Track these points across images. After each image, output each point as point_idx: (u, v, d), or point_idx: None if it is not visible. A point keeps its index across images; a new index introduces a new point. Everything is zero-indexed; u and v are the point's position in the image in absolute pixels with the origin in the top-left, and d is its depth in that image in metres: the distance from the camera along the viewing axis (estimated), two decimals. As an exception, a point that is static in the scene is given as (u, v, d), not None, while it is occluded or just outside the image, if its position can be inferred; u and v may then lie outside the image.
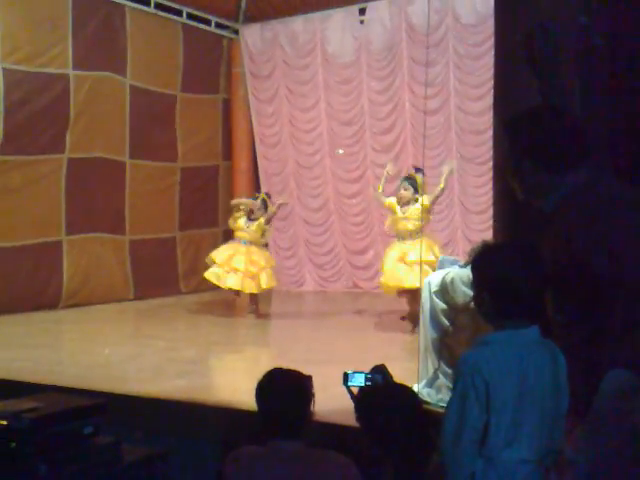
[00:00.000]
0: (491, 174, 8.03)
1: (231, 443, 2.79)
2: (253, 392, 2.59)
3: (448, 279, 3.99)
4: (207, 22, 10.49)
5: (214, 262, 7.77)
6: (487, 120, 8.65)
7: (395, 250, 6.91)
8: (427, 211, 6.79)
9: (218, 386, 5.16)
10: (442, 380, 4.01)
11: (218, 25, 10.66)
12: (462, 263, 4.11)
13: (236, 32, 10.76)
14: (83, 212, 8.90)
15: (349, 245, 10.25)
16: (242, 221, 7.84)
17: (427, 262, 6.46)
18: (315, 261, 10.61)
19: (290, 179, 10.62)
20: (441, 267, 4.26)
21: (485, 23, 8.42)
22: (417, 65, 9.45)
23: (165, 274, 9.97)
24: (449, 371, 3.97)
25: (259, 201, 7.94)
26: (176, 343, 6.51)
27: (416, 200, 6.78)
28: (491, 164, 8.39)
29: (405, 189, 6.87)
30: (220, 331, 7.39)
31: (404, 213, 6.85)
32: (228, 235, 9.63)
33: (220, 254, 7.78)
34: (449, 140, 9.50)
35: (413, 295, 6.60)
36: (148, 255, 9.70)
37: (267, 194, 8.10)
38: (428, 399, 4.03)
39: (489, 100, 8.40)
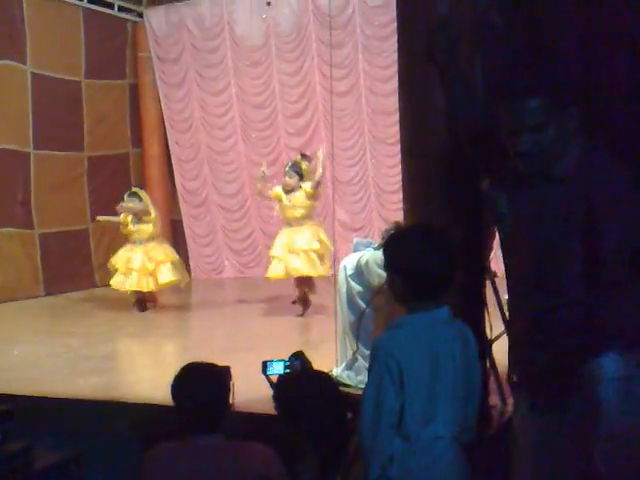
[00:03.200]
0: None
1: (149, 440, 2.74)
2: (169, 386, 2.54)
3: (363, 261, 4.02)
4: (110, 5, 10.16)
5: (115, 269, 7.63)
6: (397, 101, 8.76)
7: (283, 237, 6.97)
8: (311, 197, 6.88)
9: (135, 382, 5.04)
10: (361, 362, 4.05)
11: (121, 9, 10.34)
12: (376, 245, 4.15)
13: (140, 15, 10.46)
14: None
15: (267, 230, 10.19)
16: (131, 223, 7.58)
17: (314, 250, 6.75)
18: (233, 247, 10.52)
19: (204, 165, 10.47)
20: (356, 250, 4.29)
21: (391, 4, 8.40)
22: (326, 47, 9.42)
23: (78, 267, 9.68)
24: (367, 353, 4.01)
25: (135, 201, 7.59)
26: (90, 339, 6.33)
27: (300, 187, 6.85)
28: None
29: (290, 177, 6.91)
30: (137, 324, 7.23)
31: (290, 201, 6.89)
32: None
33: (119, 259, 7.63)
34: (360, 121, 9.56)
35: (301, 279, 6.89)
36: (59, 249, 9.39)
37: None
38: (348, 381, 4.07)
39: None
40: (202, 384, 2.54)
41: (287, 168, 7.05)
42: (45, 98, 9.13)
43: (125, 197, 7.67)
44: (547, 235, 2.14)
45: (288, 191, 6.90)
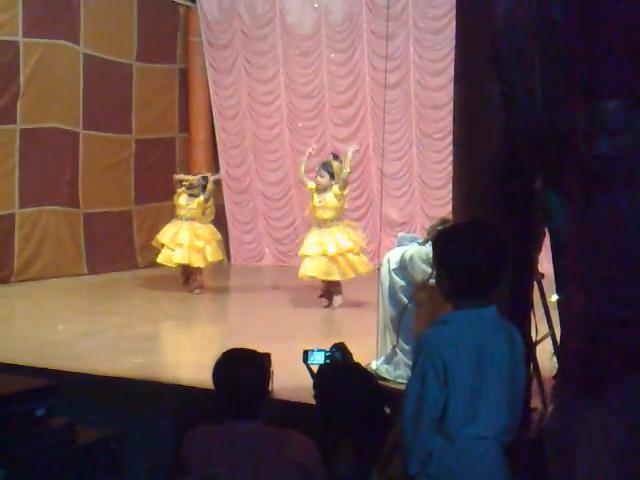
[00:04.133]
0: (450, 150, 8.08)
1: (189, 422, 2.77)
2: (210, 369, 2.57)
3: (407, 256, 4.00)
4: (163, -11, 10.25)
5: (161, 244, 7.77)
6: (446, 95, 8.67)
7: (314, 237, 6.92)
8: (340, 198, 6.85)
9: (175, 363, 5.10)
10: (400, 356, 4.04)
11: (175, -7, 10.42)
12: (421, 240, 4.13)
13: (193, 0, 10.52)
14: (36, 184, 8.69)
15: (308, 219, 10.21)
16: (183, 198, 7.83)
17: (348, 251, 6.74)
18: (274, 235, 10.55)
19: (249, 152, 10.51)
20: (400, 244, 4.27)
21: (446, -3, 8.39)
22: (377, 38, 9.38)
23: (121, 248, 9.81)
24: (407, 347, 4.00)
25: (198, 177, 7.91)
26: (132, 319, 6.42)
27: (331, 187, 6.82)
28: (450, 140, 8.45)
29: (321, 176, 6.86)
30: (177, 307, 7.31)
31: (320, 202, 6.85)
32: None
33: (165, 234, 7.78)
34: (408, 115, 9.49)
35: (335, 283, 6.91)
36: (103, 229, 9.54)
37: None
38: (386, 375, 4.06)
39: (448, 75, 8.49)
40: (243, 369, 2.55)
41: (318, 167, 7.01)
42: (96, 79, 9.23)
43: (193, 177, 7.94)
44: (630, 245, 1.99)
45: (320, 191, 6.86)
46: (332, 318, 6.67)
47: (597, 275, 2.03)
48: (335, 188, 6.79)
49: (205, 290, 7.91)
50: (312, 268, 6.82)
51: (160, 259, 7.79)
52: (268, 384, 2.62)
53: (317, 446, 2.59)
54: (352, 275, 6.84)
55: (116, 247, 9.72)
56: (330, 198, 6.80)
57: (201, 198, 7.76)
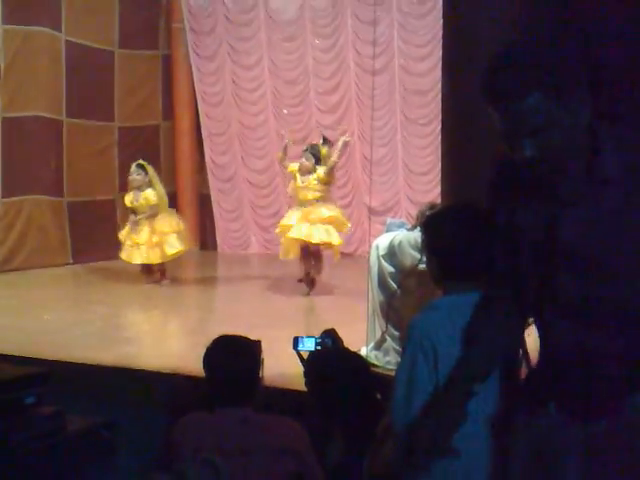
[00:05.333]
0: (434, 135, 8.07)
1: (179, 410, 2.76)
2: (200, 358, 2.57)
3: (396, 242, 4.00)
4: (145, -25, 10.15)
5: (123, 242, 7.73)
6: (431, 80, 8.67)
7: (295, 212, 6.95)
8: (324, 182, 6.83)
9: (164, 352, 5.10)
10: (390, 343, 4.05)
11: (157, -21, 10.32)
12: (409, 226, 4.13)
13: (176, -14, 10.43)
14: (19, 173, 8.62)
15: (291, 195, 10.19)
16: (130, 196, 7.66)
17: (326, 219, 6.72)
18: (260, 223, 10.53)
19: (234, 139, 10.46)
20: (389, 230, 4.27)
21: (429, -18, 8.36)
22: (361, 23, 9.34)
23: (106, 237, 9.73)
24: (396, 334, 4.01)
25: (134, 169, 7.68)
26: (119, 308, 6.40)
27: (315, 171, 6.81)
28: (434, 125, 8.45)
29: (307, 159, 6.86)
30: (165, 295, 7.29)
31: (303, 182, 6.84)
32: (171, 197, 9.47)
33: (125, 233, 7.73)
34: (393, 101, 9.48)
35: (316, 257, 6.88)
36: (87, 217, 9.47)
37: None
38: (376, 362, 4.07)
39: (433, 60, 8.49)
40: (233, 356, 2.55)
41: (305, 149, 7.00)
42: (78, 67, 9.16)
43: (133, 167, 7.69)
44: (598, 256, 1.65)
45: (303, 172, 6.85)
46: (321, 305, 6.68)
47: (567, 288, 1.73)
48: (320, 172, 6.77)
49: (171, 279, 7.80)
50: (294, 232, 6.80)
51: (122, 256, 7.74)
52: (259, 370, 2.63)
53: (308, 432, 2.60)
54: (335, 237, 6.81)
55: (101, 236, 9.65)
56: (313, 180, 6.79)
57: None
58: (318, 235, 6.70)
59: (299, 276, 7.07)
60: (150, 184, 7.60)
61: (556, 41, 1.61)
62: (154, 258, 7.56)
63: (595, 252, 1.61)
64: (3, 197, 8.57)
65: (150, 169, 7.76)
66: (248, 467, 2.43)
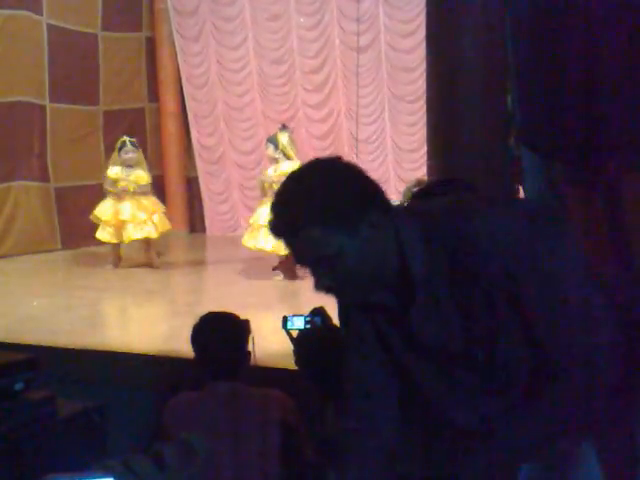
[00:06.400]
0: (422, 112, 8.04)
1: (169, 392, 2.77)
2: (188, 339, 2.57)
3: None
4: (126, -45, 10.00)
5: (100, 220, 7.59)
6: (417, 57, 8.61)
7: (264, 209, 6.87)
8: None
9: (153, 335, 5.09)
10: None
11: (138, -41, 10.17)
12: (397, 203, 4.10)
13: (157, -34, 10.29)
14: (4, 160, 8.54)
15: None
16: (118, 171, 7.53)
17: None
18: (249, 205, 10.47)
19: (220, 121, 10.38)
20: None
21: (414, -44, 8.28)
22: (346, 0, 9.27)
23: (94, 223, 9.70)
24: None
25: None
26: (108, 293, 6.38)
27: (276, 159, 6.85)
28: (422, 102, 8.42)
29: (267, 148, 7.03)
30: (153, 279, 7.26)
31: (275, 171, 6.82)
32: (159, 180, 9.42)
33: (105, 211, 7.58)
34: (379, 78, 9.42)
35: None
36: (75, 203, 9.40)
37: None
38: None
39: (419, 36, 8.42)
40: (221, 329, 2.58)
41: (266, 141, 7.19)
42: (61, 50, 9.05)
43: (128, 144, 7.59)
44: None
45: (271, 162, 6.99)
46: (310, 286, 6.65)
47: None
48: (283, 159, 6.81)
49: (159, 263, 7.74)
50: (251, 238, 6.96)
51: (99, 235, 7.63)
52: (247, 344, 2.64)
53: (300, 410, 2.61)
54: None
55: (89, 221, 9.59)
56: (285, 167, 6.66)
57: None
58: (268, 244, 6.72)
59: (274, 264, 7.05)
60: (141, 165, 7.56)
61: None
62: (148, 233, 7.46)
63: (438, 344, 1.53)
64: (-10, 184, 8.51)
65: (140, 152, 7.74)
66: (238, 444, 2.44)
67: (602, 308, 1.45)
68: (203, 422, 2.46)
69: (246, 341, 2.63)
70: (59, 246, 9.20)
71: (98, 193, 9.78)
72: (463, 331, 1.50)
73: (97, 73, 9.68)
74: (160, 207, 7.83)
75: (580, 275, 1.46)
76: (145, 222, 7.46)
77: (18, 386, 2.67)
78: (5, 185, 8.67)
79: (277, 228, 1.48)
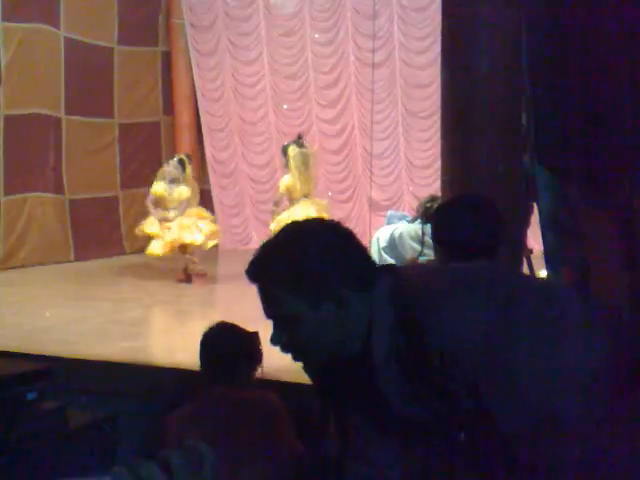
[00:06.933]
0: (436, 128, 8.06)
1: (173, 404, 2.78)
2: (197, 351, 2.60)
3: (396, 234, 4.00)
4: (144, -29, 10.12)
5: (147, 234, 7.58)
6: (432, 73, 8.64)
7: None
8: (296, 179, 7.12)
9: (165, 347, 5.10)
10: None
11: (155, -26, 10.29)
12: (410, 218, 4.12)
13: (174, -18, 10.40)
14: (20, 171, 8.62)
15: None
16: (162, 186, 7.55)
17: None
18: (261, 219, 10.50)
19: (234, 135, 10.45)
20: (390, 222, 4.26)
21: (429, -25, 8.33)
22: (361, 16, 9.33)
23: (108, 234, 9.76)
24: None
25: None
26: (121, 304, 6.39)
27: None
28: (436, 118, 8.44)
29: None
30: (165, 292, 7.28)
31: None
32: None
33: (151, 223, 7.59)
34: (394, 94, 9.47)
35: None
36: (89, 215, 9.47)
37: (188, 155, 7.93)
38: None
39: (434, 52, 8.46)
40: (228, 335, 2.71)
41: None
42: (78, 63, 9.14)
43: (173, 160, 7.75)
44: None
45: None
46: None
47: None
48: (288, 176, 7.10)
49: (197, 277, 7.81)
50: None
51: (150, 250, 7.56)
52: (253, 354, 2.67)
53: (307, 427, 2.62)
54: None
55: (103, 233, 9.66)
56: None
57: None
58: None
59: None
60: (184, 181, 7.60)
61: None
62: (193, 239, 7.46)
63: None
64: (5, 195, 8.56)
65: (188, 168, 7.75)
66: (236, 449, 2.46)
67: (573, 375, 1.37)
68: (202, 429, 2.49)
69: (253, 352, 2.69)
70: (72, 258, 9.25)
71: (112, 205, 9.89)
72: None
73: (113, 86, 9.78)
74: (207, 214, 7.89)
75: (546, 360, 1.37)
76: (189, 227, 7.47)
77: (31, 395, 2.69)
78: (20, 197, 8.74)
79: (250, 272, 1.52)
